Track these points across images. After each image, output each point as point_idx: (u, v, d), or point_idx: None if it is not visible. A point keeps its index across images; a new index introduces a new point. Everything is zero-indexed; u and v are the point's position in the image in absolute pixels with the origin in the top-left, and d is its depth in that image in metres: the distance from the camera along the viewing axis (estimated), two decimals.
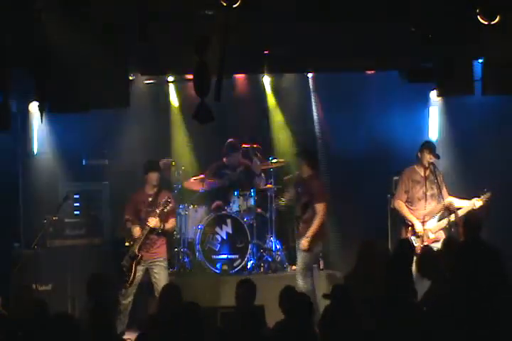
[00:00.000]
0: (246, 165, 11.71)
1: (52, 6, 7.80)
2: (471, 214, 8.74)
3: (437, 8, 8.43)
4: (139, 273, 9.79)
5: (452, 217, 9.68)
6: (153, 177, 9.98)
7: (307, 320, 6.46)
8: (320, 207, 9.95)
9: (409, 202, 9.88)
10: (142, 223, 9.82)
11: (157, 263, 9.86)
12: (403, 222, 9.92)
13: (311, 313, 6.60)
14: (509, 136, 11.14)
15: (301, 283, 9.89)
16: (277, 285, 10.05)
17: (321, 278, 10.84)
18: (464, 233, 8.08)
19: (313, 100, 12.17)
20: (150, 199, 9.95)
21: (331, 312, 6.58)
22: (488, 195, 9.72)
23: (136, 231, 9.76)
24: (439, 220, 9.83)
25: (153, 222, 9.73)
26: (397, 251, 7.88)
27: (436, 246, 9.33)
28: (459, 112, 11.34)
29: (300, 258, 10.05)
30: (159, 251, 9.90)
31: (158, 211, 9.75)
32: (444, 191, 9.88)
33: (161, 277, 9.79)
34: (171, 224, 9.95)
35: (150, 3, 7.96)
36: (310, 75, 12.03)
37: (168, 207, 9.82)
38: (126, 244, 9.87)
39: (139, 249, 9.75)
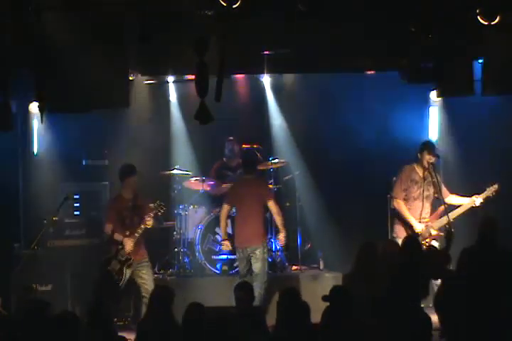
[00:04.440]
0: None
1: (52, 6, 7.80)
2: (487, 216, 8.70)
3: (437, 8, 8.44)
4: (127, 276, 9.81)
5: (454, 214, 9.69)
6: (133, 181, 9.98)
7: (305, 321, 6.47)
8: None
9: (406, 200, 9.88)
10: (129, 228, 9.82)
11: (144, 264, 9.90)
12: (402, 221, 9.89)
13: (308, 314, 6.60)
14: (509, 136, 11.15)
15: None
16: (277, 286, 10.13)
17: (321, 278, 10.83)
18: (479, 234, 8.06)
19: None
20: (130, 204, 9.95)
21: (331, 313, 6.58)
22: (494, 187, 9.71)
23: (128, 243, 9.74)
24: (440, 217, 9.83)
25: (150, 222, 9.76)
26: (405, 250, 7.82)
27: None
28: (459, 112, 11.35)
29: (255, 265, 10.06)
30: (144, 253, 9.95)
31: (152, 214, 9.78)
32: (444, 190, 9.87)
33: (149, 277, 9.87)
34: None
35: (150, 3, 7.96)
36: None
37: (162, 211, 9.92)
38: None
39: (132, 253, 9.77)
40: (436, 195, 9.80)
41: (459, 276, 7.48)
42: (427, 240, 9.65)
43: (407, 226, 9.80)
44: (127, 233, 9.78)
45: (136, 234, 9.73)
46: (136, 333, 7.07)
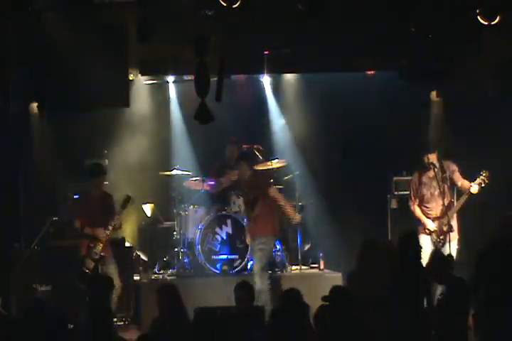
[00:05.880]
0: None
1: (52, 6, 7.80)
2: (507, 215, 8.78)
3: (437, 8, 8.44)
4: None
5: (456, 207, 9.89)
6: (103, 180, 10.02)
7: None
8: (276, 192, 10.30)
9: (422, 203, 10.09)
10: (98, 225, 9.80)
11: (110, 260, 9.89)
12: (419, 224, 10.04)
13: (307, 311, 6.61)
14: (509, 136, 11.15)
15: (260, 283, 9.92)
16: (277, 286, 10.13)
17: (321, 278, 10.83)
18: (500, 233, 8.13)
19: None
20: (98, 202, 9.95)
21: (331, 314, 6.58)
22: (484, 175, 9.81)
23: (101, 232, 9.77)
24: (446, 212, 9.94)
25: (118, 221, 9.82)
26: (402, 246, 7.80)
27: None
28: (459, 112, 11.35)
29: (258, 257, 10.08)
30: (109, 249, 9.94)
31: (122, 210, 9.84)
32: (457, 176, 9.97)
33: (115, 272, 9.82)
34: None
35: (150, 3, 7.96)
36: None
37: (128, 204, 9.92)
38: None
39: (102, 250, 9.79)
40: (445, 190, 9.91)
41: (476, 278, 7.46)
42: (441, 237, 9.85)
43: (422, 227, 10.00)
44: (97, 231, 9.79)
45: (106, 234, 9.74)
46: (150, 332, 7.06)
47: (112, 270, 9.79)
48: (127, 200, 9.88)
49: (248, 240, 10.50)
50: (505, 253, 7.55)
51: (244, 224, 10.80)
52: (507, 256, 7.50)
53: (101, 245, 9.72)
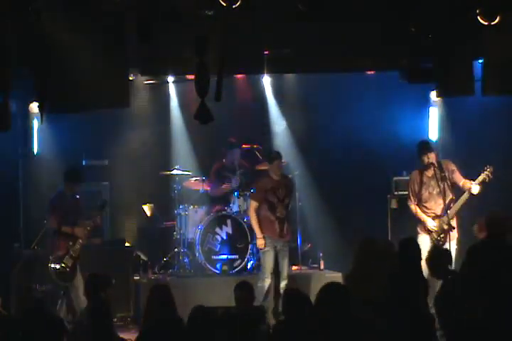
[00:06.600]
0: (245, 166, 11.69)
1: (52, 6, 7.79)
2: (495, 212, 8.77)
3: (437, 8, 8.44)
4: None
5: (455, 207, 9.86)
6: (76, 187, 10.10)
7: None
8: None
9: (421, 202, 10.06)
10: (74, 224, 9.86)
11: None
12: (419, 222, 10.02)
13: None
14: (509, 136, 11.16)
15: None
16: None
17: (321, 278, 10.83)
18: (487, 230, 8.11)
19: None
20: (73, 202, 10.04)
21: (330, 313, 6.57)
22: (489, 170, 9.78)
23: (80, 231, 9.80)
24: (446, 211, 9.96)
25: (98, 220, 9.97)
26: (402, 250, 7.82)
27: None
28: (459, 112, 11.36)
29: (287, 260, 10.12)
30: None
31: (101, 211, 10.10)
32: (458, 177, 9.94)
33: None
34: None
35: (150, 3, 7.96)
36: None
37: (106, 206, 10.20)
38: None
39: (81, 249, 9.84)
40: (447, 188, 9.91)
41: (465, 273, 7.47)
42: (442, 236, 9.84)
43: (424, 225, 9.98)
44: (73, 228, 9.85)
45: (87, 230, 9.81)
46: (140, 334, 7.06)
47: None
48: (103, 204, 10.13)
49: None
50: (492, 250, 7.57)
51: (246, 224, 10.84)
52: (494, 253, 7.53)
53: (79, 245, 9.75)
